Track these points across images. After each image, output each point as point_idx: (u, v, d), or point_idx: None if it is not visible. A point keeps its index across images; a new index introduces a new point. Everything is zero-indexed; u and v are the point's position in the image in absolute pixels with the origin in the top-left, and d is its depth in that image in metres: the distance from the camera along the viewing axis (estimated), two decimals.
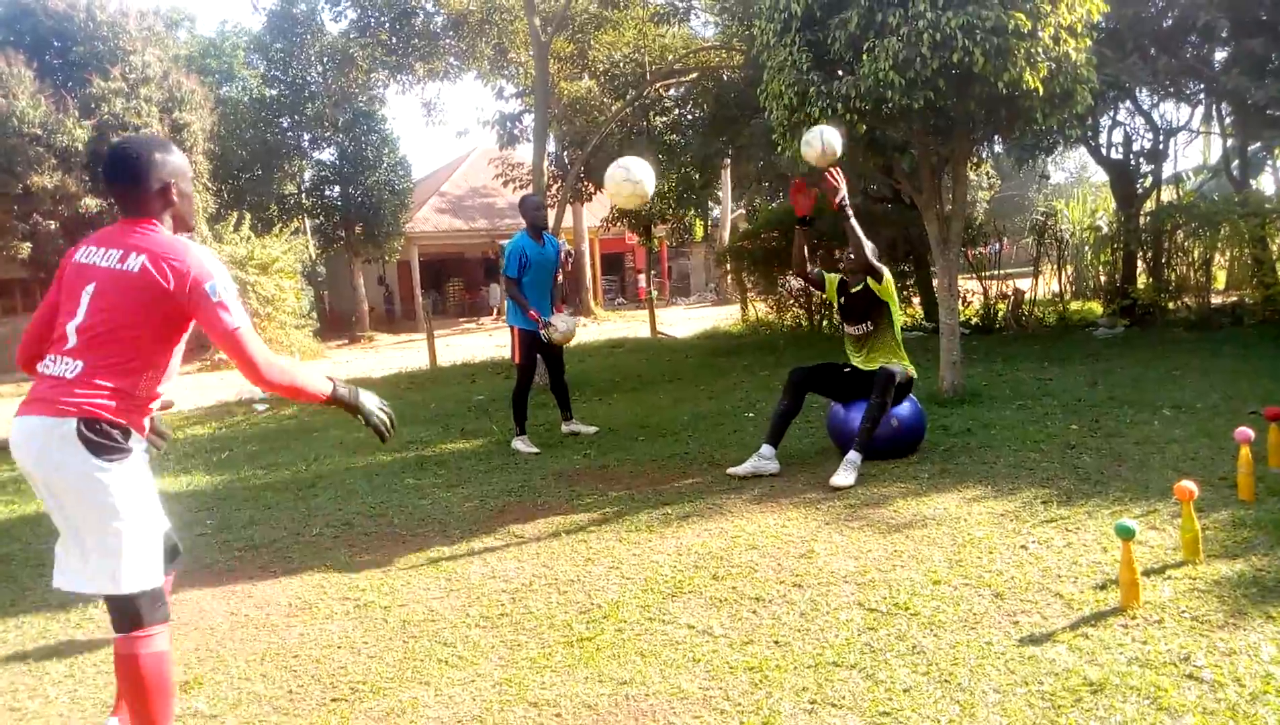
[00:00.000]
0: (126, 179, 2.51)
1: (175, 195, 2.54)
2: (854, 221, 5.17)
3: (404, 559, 4.23)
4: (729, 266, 15.10)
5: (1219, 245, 11.25)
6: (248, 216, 21.35)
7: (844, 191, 5.11)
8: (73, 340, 2.40)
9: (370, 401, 2.68)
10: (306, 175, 28.01)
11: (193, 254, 2.44)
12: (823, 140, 5.14)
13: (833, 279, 5.56)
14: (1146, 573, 3.22)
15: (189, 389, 14.58)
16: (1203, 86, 11.25)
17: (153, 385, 2.50)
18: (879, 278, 5.19)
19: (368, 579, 3.98)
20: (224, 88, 29.76)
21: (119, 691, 2.61)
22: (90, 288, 2.41)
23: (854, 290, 5.36)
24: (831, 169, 5.12)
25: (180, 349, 2.57)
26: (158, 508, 2.52)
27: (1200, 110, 13.00)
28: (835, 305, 5.56)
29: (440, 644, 3.23)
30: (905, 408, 5.27)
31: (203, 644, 3.43)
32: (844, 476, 4.76)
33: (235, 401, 11.25)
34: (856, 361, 5.36)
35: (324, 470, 6.42)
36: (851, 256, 5.28)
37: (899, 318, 5.44)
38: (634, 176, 5.01)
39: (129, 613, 2.41)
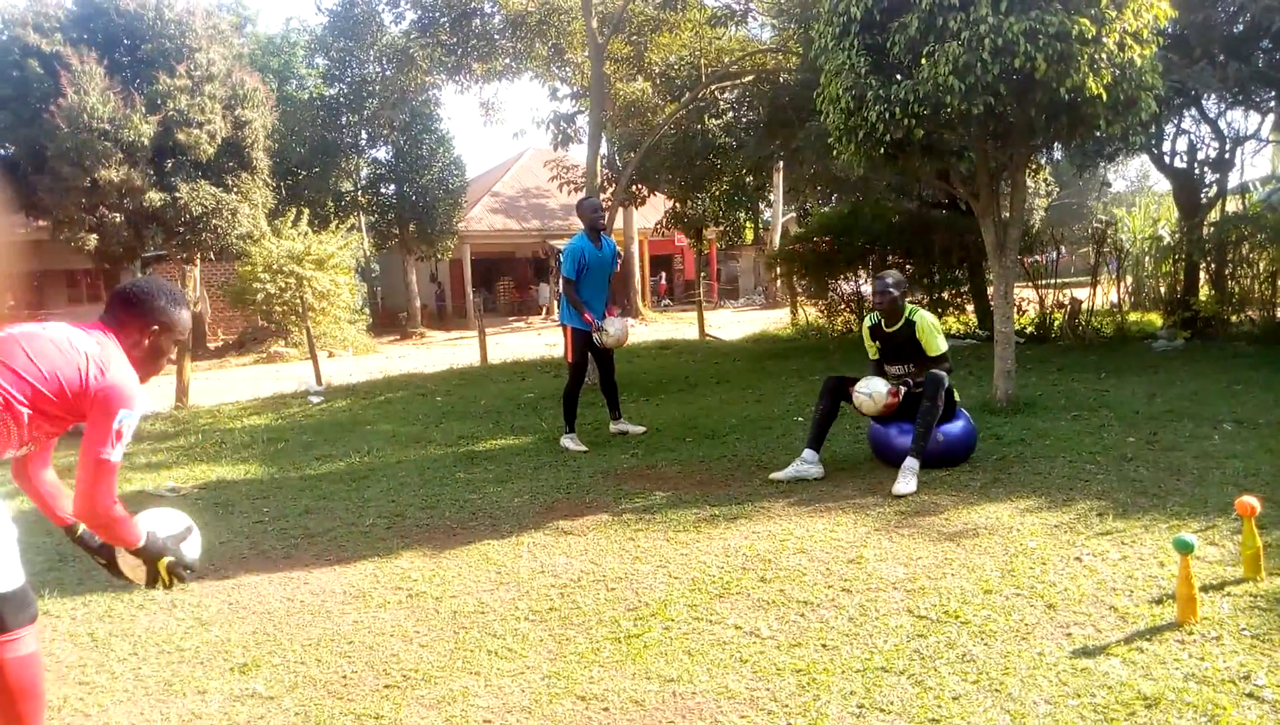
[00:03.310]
0: (126, 303, 2.50)
1: (148, 340, 2.51)
2: (919, 386, 5.11)
3: (455, 551, 4.29)
4: (779, 270, 15.03)
5: None
6: (305, 212, 21.74)
7: (901, 392, 5.13)
8: None
9: (180, 557, 2.59)
10: (363, 173, 28.48)
11: (129, 382, 2.39)
12: (873, 399, 5.12)
13: (864, 335, 5.47)
14: (1205, 588, 3.16)
15: (246, 381, 14.90)
16: (1274, 94, 10.96)
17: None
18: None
19: (420, 570, 4.05)
20: (284, 86, 30.33)
21: None
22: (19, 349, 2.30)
23: (890, 330, 5.27)
24: (892, 397, 5.11)
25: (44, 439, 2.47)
26: (5, 516, 2.32)
27: (1270, 118, 12.66)
28: (874, 351, 5.42)
29: (490, 635, 3.28)
30: (957, 424, 5.21)
31: (260, 628, 3.51)
32: (904, 483, 4.72)
33: (291, 394, 11.47)
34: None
35: (377, 462, 6.53)
36: (880, 298, 5.26)
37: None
38: None
39: None
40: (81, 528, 2.60)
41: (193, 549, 2.67)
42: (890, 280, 5.29)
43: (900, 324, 5.25)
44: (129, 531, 2.47)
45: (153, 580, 2.58)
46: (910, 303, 5.40)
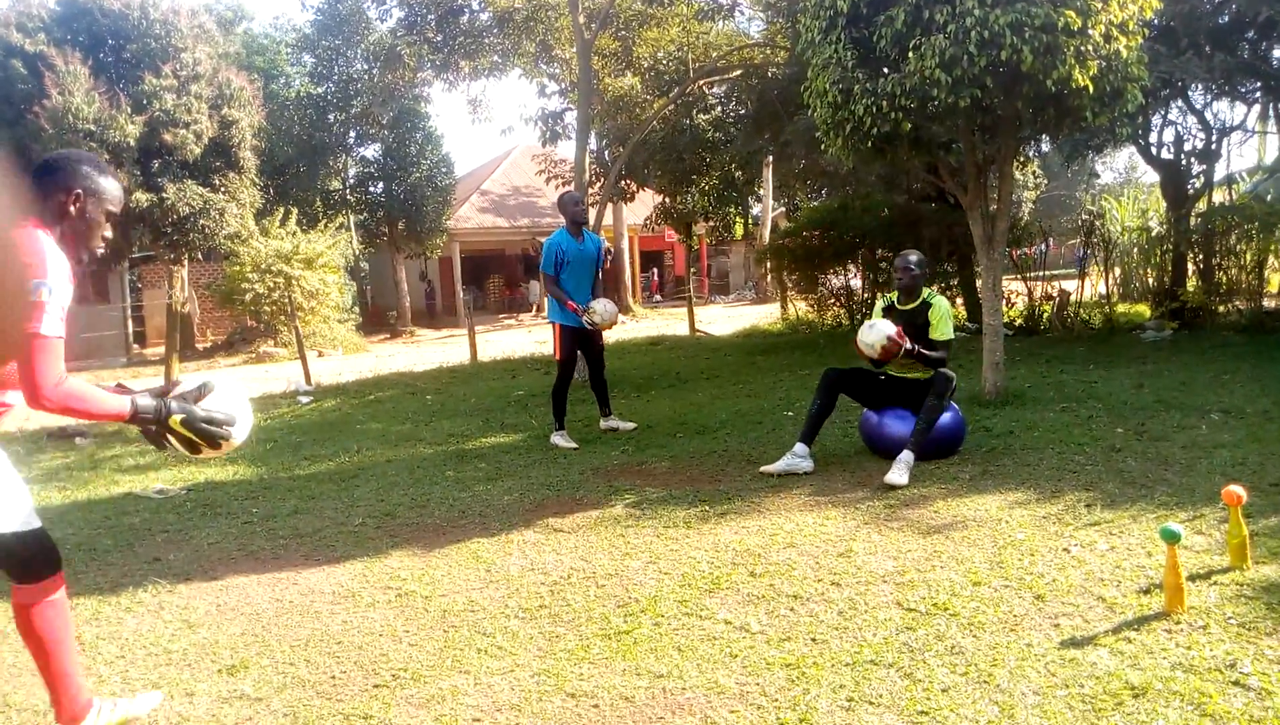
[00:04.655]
0: (41, 174, 2.38)
1: (75, 208, 2.37)
2: (924, 353, 5.14)
3: (444, 550, 4.28)
4: (769, 265, 15.05)
5: (1273, 247, 11.00)
6: (293, 212, 21.66)
7: (907, 344, 5.08)
8: None
9: (179, 422, 2.32)
10: (351, 171, 28.41)
11: (37, 251, 2.20)
12: (874, 334, 5.13)
13: (876, 313, 5.49)
14: (1192, 578, 3.17)
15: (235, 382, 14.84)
16: (1259, 85, 11.00)
17: None
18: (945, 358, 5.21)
19: (409, 569, 4.04)
20: (271, 84, 30.21)
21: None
22: None
23: (904, 308, 5.32)
24: (896, 338, 5.08)
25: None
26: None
27: (1256, 109, 12.72)
28: None
29: (480, 634, 3.27)
30: (945, 415, 5.22)
31: (248, 629, 3.50)
32: (897, 475, 4.73)
33: (280, 394, 11.43)
34: (896, 372, 5.33)
35: (366, 462, 6.51)
36: (902, 274, 5.30)
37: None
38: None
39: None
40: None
41: (222, 402, 2.41)
42: (914, 258, 5.39)
43: (915, 304, 5.30)
44: (102, 404, 2.23)
45: (189, 447, 2.33)
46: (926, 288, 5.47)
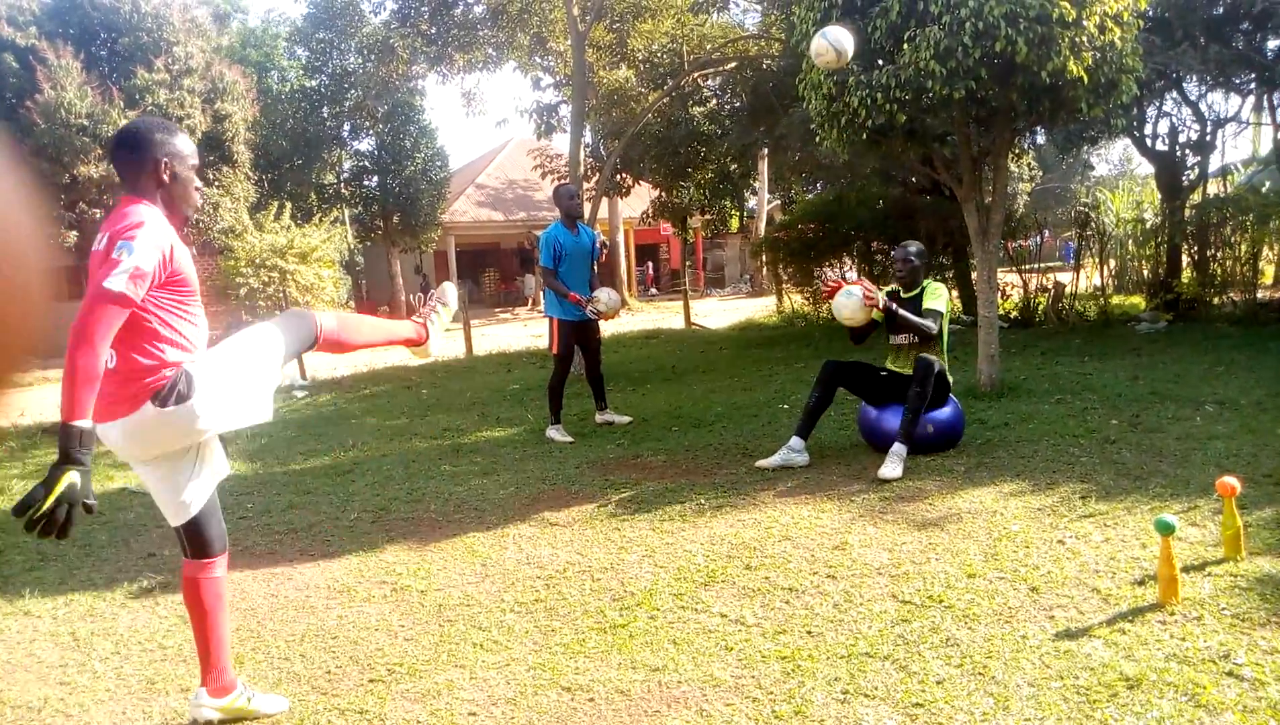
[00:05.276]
0: (123, 153, 2.51)
1: (167, 175, 2.51)
2: (903, 312, 5.13)
3: (440, 544, 4.27)
4: (765, 258, 15.04)
5: (1267, 239, 11.01)
6: (288, 206, 21.59)
7: (880, 299, 5.07)
8: None
9: (69, 480, 2.14)
10: (346, 165, 28.32)
11: (134, 221, 2.37)
12: (836, 50, 5.14)
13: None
14: (1186, 569, 3.17)
15: None
16: (1254, 76, 10.99)
17: (186, 341, 2.52)
18: (936, 335, 5.19)
19: (404, 563, 4.04)
20: (264, 78, 30.09)
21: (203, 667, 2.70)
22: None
23: (905, 298, 5.31)
24: (867, 289, 5.08)
25: (192, 307, 2.54)
26: (241, 355, 2.75)
27: (1251, 100, 12.71)
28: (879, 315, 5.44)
29: (475, 628, 3.27)
30: (945, 411, 5.22)
31: (244, 624, 3.49)
32: (890, 468, 4.73)
33: (275, 389, 11.41)
34: (895, 367, 5.32)
35: (361, 456, 6.50)
36: (902, 266, 5.30)
37: (947, 328, 5.38)
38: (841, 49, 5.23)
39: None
40: None
41: (75, 476, 2.16)
42: (913, 249, 5.40)
43: (915, 293, 5.29)
44: (85, 392, 2.17)
45: (42, 507, 2.12)
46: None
